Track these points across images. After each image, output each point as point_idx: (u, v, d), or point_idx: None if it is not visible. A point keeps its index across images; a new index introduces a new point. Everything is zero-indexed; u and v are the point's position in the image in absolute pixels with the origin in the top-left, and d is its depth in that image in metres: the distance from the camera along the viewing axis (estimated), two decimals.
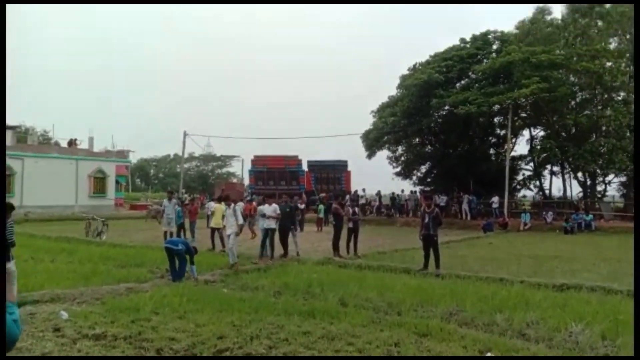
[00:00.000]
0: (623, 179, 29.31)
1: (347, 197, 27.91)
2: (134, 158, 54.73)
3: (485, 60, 32.15)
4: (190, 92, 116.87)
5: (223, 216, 13.56)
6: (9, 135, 36.17)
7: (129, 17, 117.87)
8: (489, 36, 33.68)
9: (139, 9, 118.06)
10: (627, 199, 28.57)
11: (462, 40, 34.07)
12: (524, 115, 32.78)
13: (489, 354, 5.44)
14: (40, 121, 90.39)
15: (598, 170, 28.75)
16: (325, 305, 7.64)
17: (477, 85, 31.45)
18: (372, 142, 34.43)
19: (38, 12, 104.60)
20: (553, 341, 6.04)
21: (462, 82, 33.14)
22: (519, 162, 34.46)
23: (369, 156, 35.30)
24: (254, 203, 20.81)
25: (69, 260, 12.02)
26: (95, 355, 5.22)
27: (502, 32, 33.37)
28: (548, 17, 31.42)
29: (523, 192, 36.11)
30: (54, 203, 32.22)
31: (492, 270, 11.45)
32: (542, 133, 33.11)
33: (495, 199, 28.44)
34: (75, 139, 39.97)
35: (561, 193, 33.69)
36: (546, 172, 34.04)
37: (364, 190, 33.72)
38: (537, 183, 34.43)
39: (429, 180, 36.91)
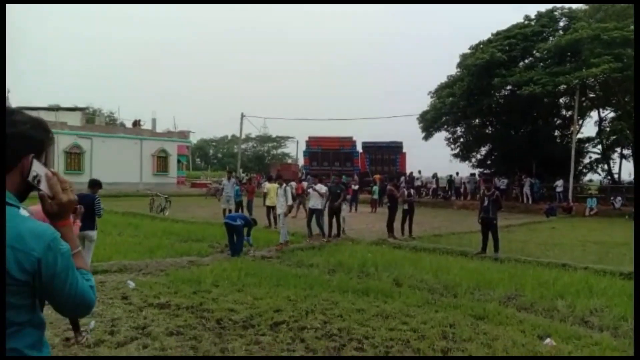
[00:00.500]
0: None
1: (402, 178, 27.60)
2: (194, 139, 56.68)
3: (551, 38, 30.42)
4: (248, 73, 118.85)
5: None
6: (78, 116, 38.32)
7: None
8: (556, 13, 31.75)
9: None
10: None
11: (527, 17, 32.33)
12: (592, 95, 30.98)
13: (548, 340, 5.28)
14: (107, 103, 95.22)
15: None
16: (379, 285, 7.67)
17: (541, 64, 29.90)
18: (430, 123, 33.64)
19: None
20: (619, 330, 5.78)
21: (526, 61, 31.59)
22: (586, 145, 32.81)
23: (426, 137, 34.58)
24: (304, 183, 21.08)
25: (135, 234, 12.68)
26: (160, 322, 5.51)
27: (569, 9, 31.42)
28: None
29: (590, 176, 34.44)
30: (120, 180, 33.89)
31: (554, 256, 11.02)
32: (611, 114, 31.24)
33: (560, 182, 27.18)
34: (139, 120, 41.67)
35: (632, 177, 31.76)
36: (615, 156, 32.31)
37: (419, 172, 33.21)
38: (606, 167, 32.65)
39: (488, 162, 35.78)
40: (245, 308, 6.09)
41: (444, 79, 34.53)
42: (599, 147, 32.36)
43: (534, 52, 30.79)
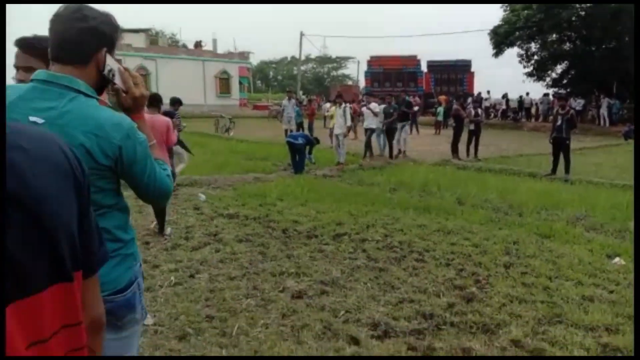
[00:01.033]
0: None
1: (470, 99, 26.46)
2: (254, 60, 56.37)
3: None
4: None
5: None
6: (142, 38, 38.86)
7: None
8: None
9: None
10: None
11: None
12: None
13: (617, 259, 5.13)
14: (168, 26, 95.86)
15: None
16: (441, 203, 7.66)
17: None
18: (502, 38, 31.38)
19: None
20: None
21: None
22: None
23: (496, 54, 32.44)
24: (359, 105, 20.72)
25: (203, 152, 13.18)
26: (230, 230, 5.85)
27: None
28: None
29: None
30: (186, 102, 34.75)
31: (630, 179, 10.43)
32: None
33: None
34: (201, 41, 41.79)
35: None
36: None
37: (488, 92, 31.66)
38: None
39: (564, 81, 33.27)
40: (309, 220, 6.32)
41: None
42: None
43: None
